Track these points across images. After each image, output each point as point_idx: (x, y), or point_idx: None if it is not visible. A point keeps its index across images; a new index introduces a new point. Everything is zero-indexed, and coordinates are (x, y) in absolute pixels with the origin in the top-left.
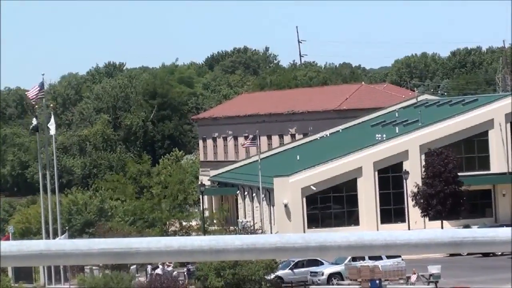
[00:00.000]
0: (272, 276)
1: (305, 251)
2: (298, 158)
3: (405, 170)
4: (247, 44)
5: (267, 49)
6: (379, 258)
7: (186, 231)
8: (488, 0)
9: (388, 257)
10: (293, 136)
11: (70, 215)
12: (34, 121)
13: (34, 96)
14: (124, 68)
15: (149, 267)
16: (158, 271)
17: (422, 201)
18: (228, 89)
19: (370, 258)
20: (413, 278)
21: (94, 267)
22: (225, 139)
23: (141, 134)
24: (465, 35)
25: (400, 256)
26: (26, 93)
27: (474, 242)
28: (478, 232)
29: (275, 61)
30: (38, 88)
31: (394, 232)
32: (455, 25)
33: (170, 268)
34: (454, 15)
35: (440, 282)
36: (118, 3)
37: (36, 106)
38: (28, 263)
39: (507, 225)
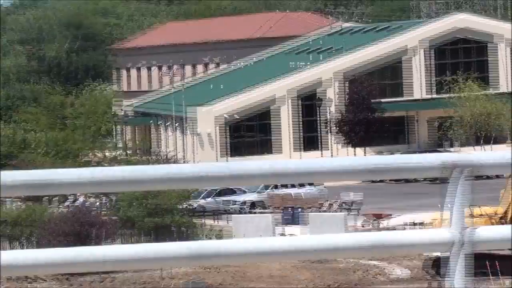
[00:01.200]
0: (193, 205)
1: (229, 179)
2: (221, 87)
3: (320, 97)
4: None
5: None
6: (301, 185)
7: (107, 162)
8: None
9: (310, 184)
10: (210, 65)
11: None
12: None
13: None
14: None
15: (70, 199)
16: (78, 202)
17: (339, 128)
18: (152, 19)
19: (292, 185)
20: (335, 205)
21: (14, 200)
22: (149, 69)
23: (65, 65)
24: None
25: (322, 184)
26: None
27: (398, 168)
28: (402, 158)
29: None
30: None
31: (318, 159)
32: None
33: (92, 199)
34: None
35: (362, 209)
36: None
37: None
38: None
39: (422, 151)
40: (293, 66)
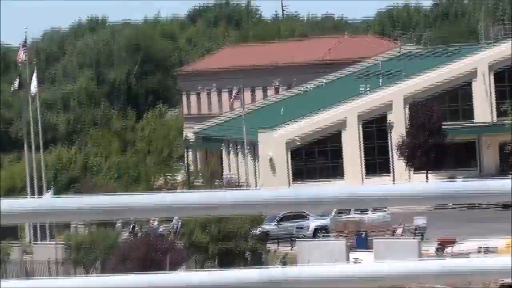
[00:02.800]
0: (258, 230)
1: (298, 205)
2: (282, 111)
3: (390, 121)
4: None
5: (249, 2)
6: (365, 210)
7: (171, 186)
8: None
9: (374, 210)
10: (276, 89)
11: (55, 172)
12: (16, 82)
13: (20, 57)
14: (107, 23)
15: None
16: (143, 228)
17: (406, 152)
18: (211, 43)
19: (356, 211)
20: (399, 230)
21: (79, 225)
22: (208, 93)
23: (125, 89)
24: None
25: (386, 209)
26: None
27: (466, 194)
28: (471, 185)
29: (257, 14)
30: (22, 46)
31: (387, 185)
32: None
33: (156, 224)
34: None
35: (426, 234)
36: None
37: (19, 62)
38: (22, 221)
39: (492, 176)
40: (363, 90)
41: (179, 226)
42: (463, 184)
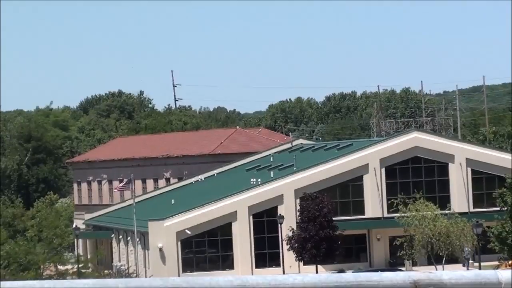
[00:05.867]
0: None
1: None
2: (173, 202)
3: (280, 214)
4: (122, 88)
5: (141, 93)
6: None
7: (61, 275)
8: (364, 44)
9: None
10: (168, 180)
11: None
12: None
13: None
14: None
15: None
16: None
17: (296, 245)
18: (103, 133)
19: None
20: None
21: None
22: (99, 182)
23: (16, 177)
24: (340, 80)
25: None
26: None
27: (358, 286)
28: (362, 276)
29: (150, 105)
30: None
31: (278, 276)
32: (330, 70)
33: None
34: (330, 60)
35: None
36: None
37: None
38: None
39: (382, 270)
40: (254, 182)
41: None
42: (354, 276)
